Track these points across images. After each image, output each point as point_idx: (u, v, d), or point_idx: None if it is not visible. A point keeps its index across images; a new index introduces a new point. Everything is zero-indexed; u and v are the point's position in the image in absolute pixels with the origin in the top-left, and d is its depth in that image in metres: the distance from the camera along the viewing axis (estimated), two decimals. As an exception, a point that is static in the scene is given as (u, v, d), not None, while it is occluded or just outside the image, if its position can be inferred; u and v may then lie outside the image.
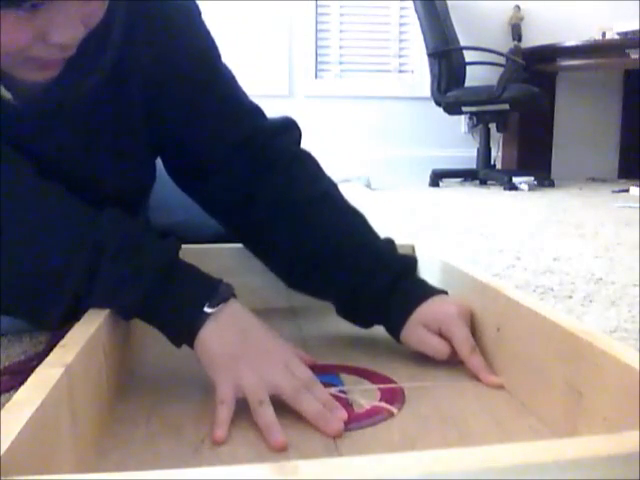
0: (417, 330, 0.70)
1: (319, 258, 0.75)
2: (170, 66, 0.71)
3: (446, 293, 0.74)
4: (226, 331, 0.59)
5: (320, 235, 0.75)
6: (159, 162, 0.86)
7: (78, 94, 0.65)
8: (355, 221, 0.78)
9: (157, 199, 0.93)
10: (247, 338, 0.59)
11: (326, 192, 0.78)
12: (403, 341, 0.71)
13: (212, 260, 0.91)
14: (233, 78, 0.78)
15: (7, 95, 0.62)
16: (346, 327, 0.76)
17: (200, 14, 0.75)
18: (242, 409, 0.56)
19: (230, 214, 0.80)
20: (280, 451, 0.52)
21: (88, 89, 0.65)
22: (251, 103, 0.79)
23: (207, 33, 0.76)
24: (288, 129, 0.80)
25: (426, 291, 0.73)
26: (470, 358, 0.67)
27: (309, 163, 0.80)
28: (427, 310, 0.70)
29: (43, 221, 0.59)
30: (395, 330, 0.72)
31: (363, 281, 0.73)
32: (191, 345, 0.59)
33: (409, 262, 0.76)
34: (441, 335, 0.69)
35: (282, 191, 0.76)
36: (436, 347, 0.68)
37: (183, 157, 0.77)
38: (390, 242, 0.77)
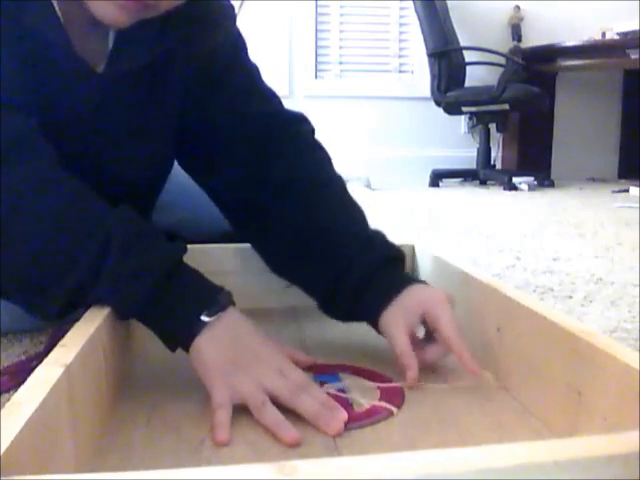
0: (393, 320, 0.68)
1: (304, 242, 0.75)
2: (204, 55, 0.76)
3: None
4: (221, 340, 0.59)
5: (309, 218, 0.76)
6: None
7: (133, 68, 0.70)
8: (349, 213, 0.78)
9: (159, 199, 0.93)
10: (242, 347, 0.59)
11: (329, 180, 0.80)
12: (380, 329, 0.70)
13: (212, 260, 0.91)
14: (257, 70, 0.84)
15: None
16: (346, 327, 0.76)
17: (235, 14, 0.82)
18: (240, 410, 0.56)
19: (235, 199, 0.82)
20: (295, 446, 0.52)
21: (140, 66, 0.70)
22: (271, 91, 0.84)
23: (238, 31, 0.83)
24: (302, 121, 0.85)
25: (408, 279, 0.72)
26: (455, 342, 0.64)
27: (318, 150, 0.83)
28: (411, 294, 0.68)
29: (55, 212, 0.60)
30: (374, 315, 0.70)
31: (343, 268, 0.72)
32: (186, 351, 0.60)
33: (394, 253, 0.74)
34: (424, 320, 0.67)
35: (288, 175, 0.78)
36: (398, 348, 0.66)
37: (198, 137, 0.80)
38: (380, 235, 0.76)
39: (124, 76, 0.70)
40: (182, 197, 0.99)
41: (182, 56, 0.74)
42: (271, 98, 0.84)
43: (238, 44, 0.83)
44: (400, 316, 0.67)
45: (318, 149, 0.83)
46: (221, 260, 0.91)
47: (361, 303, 0.71)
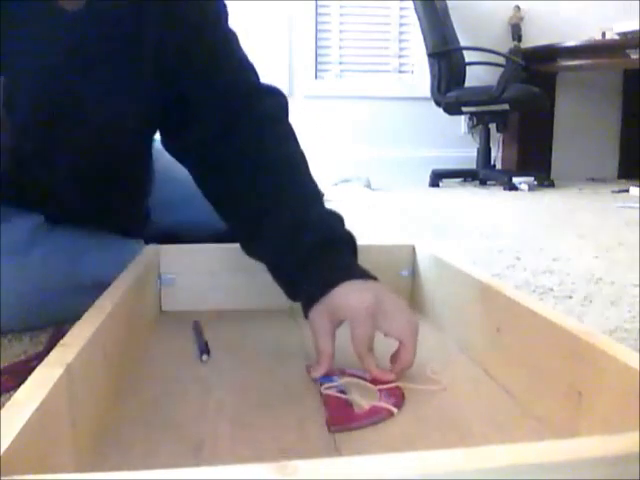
0: (319, 318, 0.67)
1: (254, 220, 0.75)
2: (180, 18, 0.76)
3: (373, 278, 0.70)
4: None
5: (263, 196, 0.76)
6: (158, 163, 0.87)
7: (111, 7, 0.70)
8: (298, 193, 0.77)
9: (158, 198, 0.93)
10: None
11: (284, 157, 0.79)
12: (308, 321, 0.69)
13: (212, 260, 0.91)
14: (235, 38, 0.84)
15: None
16: (346, 328, 0.76)
17: None
18: (242, 410, 0.56)
19: (202, 164, 0.82)
20: None
21: (116, 13, 0.70)
22: (248, 62, 0.84)
23: None
24: (274, 94, 0.84)
25: (341, 274, 0.69)
26: (364, 358, 0.65)
27: (281, 124, 0.82)
28: (339, 297, 0.67)
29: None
30: (305, 309, 0.70)
31: (281, 253, 0.72)
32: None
33: (332, 237, 0.72)
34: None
35: (249, 148, 0.78)
36: (318, 345, 0.67)
37: (173, 107, 0.80)
38: (326, 216, 0.75)
39: (101, 19, 0.70)
40: (182, 199, 0.99)
41: (158, 12, 0.74)
42: (245, 68, 0.83)
43: (216, 14, 0.82)
44: (325, 317, 0.67)
45: (282, 123, 0.83)
46: (221, 260, 0.91)
47: (295, 293, 0.72)
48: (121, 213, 0.96)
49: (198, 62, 0.79)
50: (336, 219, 0.75)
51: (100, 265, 0.89)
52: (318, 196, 0.78)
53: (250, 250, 0.79)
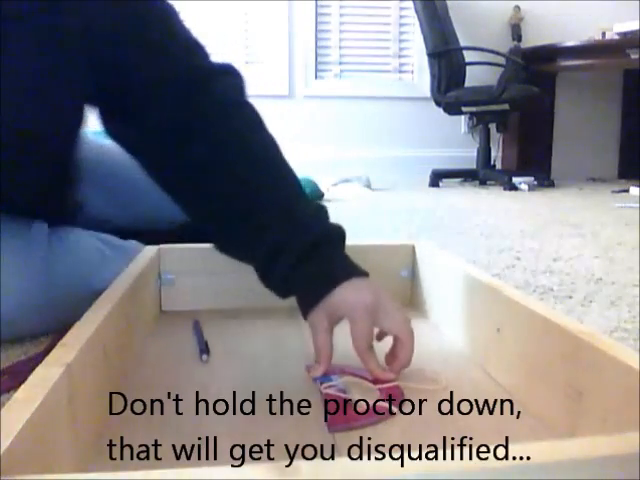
0: (317, 316, 0.67)
1: (240, 214, 0.70)
2: (109, 2, 0.70)
3: (366, 275, 0.70)
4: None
5: (244, 191, 0.70)
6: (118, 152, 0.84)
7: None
8: (280, 185, 0.72)
9: (118, 194, 0.92)
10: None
11: (257, 146, 0.73)
12: (307, 321, 0.69)
13: (212, 260, 0.91)
14: (176, 15, 0.75)
15: None
16: (346, 328, 0.76)
17: None
18: (242, 409, 0.56)
19: (160, 158, 0.74)
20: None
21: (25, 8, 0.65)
22: (194, 41, 0.76)
23: None
24: (229, 74, 0.77)
25: (338, 274, 0.68)
26: (364, 355, 0.65)
27: (245, 109, 0.75)
28: (337, 298, 0.66)
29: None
30: (304, 310, 0.69)
31: (272, 253, 0.69)
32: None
33: (324, 236, 0.70)
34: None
35: (216, 138, 0.72)
36: (317, 344, 0.67)
37: (114, 94, 0.73)
38: (320, 209, 0.72)
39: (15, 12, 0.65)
40: (140, 193, 0.98)
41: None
42: (191, 49, 0.75)
43: None
44: (323, 316, 0.67)
45: (245, 107, 0.75)
46: (221, 260, 0.90)
47: (287, 292, 0.70)
48: (43, 199, 0.90)
49: (140, 49, 0.72)
50: (324, 213, 0.72)
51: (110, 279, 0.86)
52: (300, 188, 0.73)
53: (230, 251, 0.75)
